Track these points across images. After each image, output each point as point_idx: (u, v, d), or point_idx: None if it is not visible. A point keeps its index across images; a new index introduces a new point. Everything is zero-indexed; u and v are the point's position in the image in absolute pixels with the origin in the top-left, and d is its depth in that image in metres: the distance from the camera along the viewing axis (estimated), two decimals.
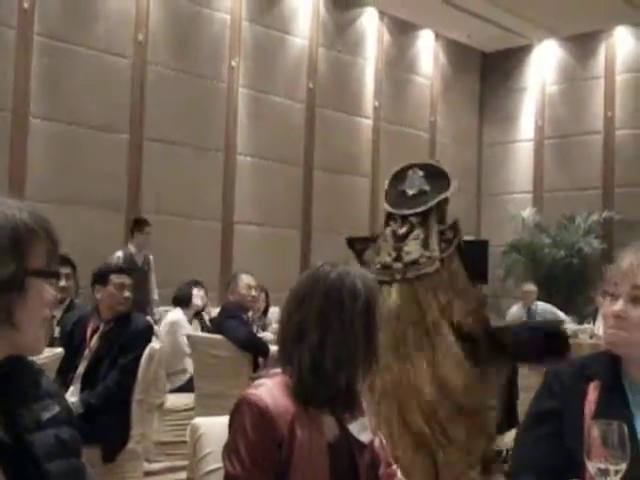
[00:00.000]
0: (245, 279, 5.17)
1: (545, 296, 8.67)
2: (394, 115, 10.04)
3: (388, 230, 3.86)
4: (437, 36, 10.61)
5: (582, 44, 10.28)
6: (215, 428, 1.84)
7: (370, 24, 9.80)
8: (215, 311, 5.66)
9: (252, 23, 8.50)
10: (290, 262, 8.52)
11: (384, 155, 9.83)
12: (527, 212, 10.29)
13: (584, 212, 9.66)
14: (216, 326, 5.10)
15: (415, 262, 3.73)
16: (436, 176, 3.99)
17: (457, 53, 10.87)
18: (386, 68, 9.98)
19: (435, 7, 9.47)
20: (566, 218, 9.75)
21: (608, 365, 1.66)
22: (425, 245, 3.76)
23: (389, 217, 3.93)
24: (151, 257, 6.83)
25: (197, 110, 7.94)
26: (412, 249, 3.77)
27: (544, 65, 10.71)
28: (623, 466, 1.39)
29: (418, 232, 3.82)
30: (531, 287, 8.81)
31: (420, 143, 10.41)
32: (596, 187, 9.97)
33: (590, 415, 1.59)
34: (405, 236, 3.79)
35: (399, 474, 1.85)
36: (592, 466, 1.41)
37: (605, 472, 1.39)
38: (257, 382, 1.70)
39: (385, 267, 3.75)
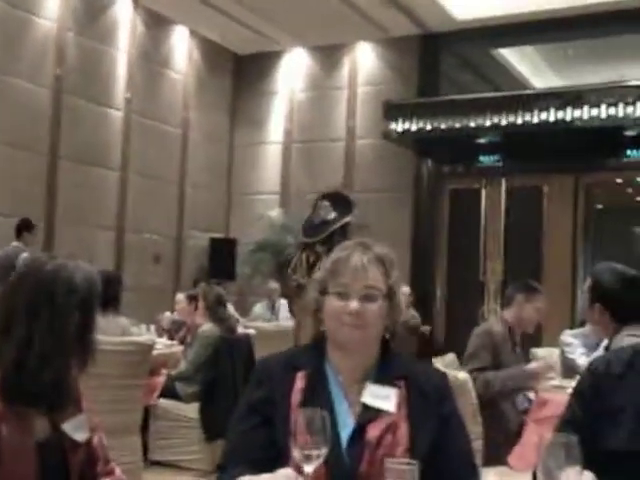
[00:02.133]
0: None
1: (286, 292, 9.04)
2: (147, 108, 9.92)
3: (303, 255, 4.13)
4: (192, 33, 10.63)
5: (328, 55, 10.82)
6: None
7: (123, 13, 9.58)
8: None
9: None
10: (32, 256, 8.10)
11: (135, 148, 9.68)
12: (275, 212, 10.63)
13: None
14: None
15: None
16: (341, 204, 4.26)
17: (211, 52, 10.97)
18: (139, 60, 9.82)
19: (190, 4, 9.50)
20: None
21: (313, 355, 1.78)
22: None
23: (303, 244, 4.23)
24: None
25: None
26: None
27: (294, 72, 11.13)
28: (324, 451, 1.54)
29: (323, 256, 4.06)
30: (275, 285, 9.15)
31: (173, 138, 10.38)
32: None
33: (297, 404, 1.68)
34: (314, 265, 4.08)
35: (118, 471, 1.86)
36: (298, 452, 1.53)
37: (308, 457, 1.52)
38: None
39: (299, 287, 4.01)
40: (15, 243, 7.00)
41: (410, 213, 10.09)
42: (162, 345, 5.70)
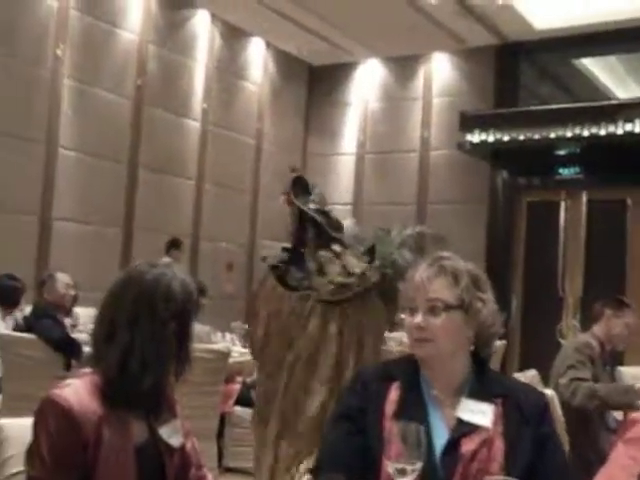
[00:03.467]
0: (63, 278, 5.02)
1: None
2: (222, 119, 10.06)
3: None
4: (268, 45, 10.75)
5: (403, 66, 10.78)
6: (20, 430, 1.76)
7: (202, 26, 9.76)
8: (28, 310, 5.43)
9: (80, 12, 8.21)
10: (110, 262, 8.29)
11: (211, 158, 9.83)
12: (346, 223, 10.62)
13: (399, 226, 10.11)
14: (28, 325, 4.89)
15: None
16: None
17: (286, 63, 11.07)
18: (216, 72, 9.98)
19: (266, 17, 9.60)
20: (382, 230, 10.16)
21: (408, 367, 1.79)
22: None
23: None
24: None
25: (18, 98, 7.56)
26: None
27: (368, 83, 11.13)
28: (419, 466, 1.51)
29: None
30: None
31: (247, 149, 10.50)
32: (411, 203, 10.50)
33: (390, 414, 1.69)
34: None
35: (209, 477, 1.88)
36: (391, 465, 1.51)
37: (402, 471, 1.50)
38: (64, 382, 1.65)
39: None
40: (165, 259, 7.33)
41: (485, 225, 9.94)
42: (237, 353, 5.74)
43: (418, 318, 1.72)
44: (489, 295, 1.79)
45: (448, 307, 1.71)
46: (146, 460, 1.67)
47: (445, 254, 1.83)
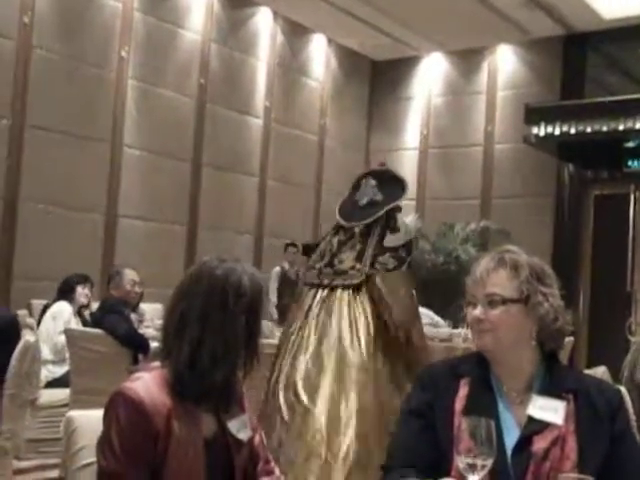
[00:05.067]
0: (130, 274, 5.10)
1: (423, 300, 8.92)
2: (284, 116, 10.10)
3: (335, 240, 3.79)
4: (329, 41, 10.75)
5: (466, 59, 10.65)
6: (90, 422, 1.78)
7: (264, 24, 9.81)
8: (96, 305, 5.55)
9: (144, 14, 8.35)
10: (174, 259, 8.42)
11: (273, 155, 9.88)
12: (410, 218, 10.56)
13: (463, 220, 10.02)
14: (96, 321, 4.99)
15: (344, 272, 3.67)
16: (389, 183, 3.88)
17: (348, 59, 11.05)
18: (278, 69, 10.02)
19: (328, 13, 9.60)
20: (446, 225, 10.07)
21: (477, 364, 1.76)
22: (359, 258, 3.71)
23: (339, 226, 3.86)
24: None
25: (84, 99, 7.73)
26: (345, 258, 3.73)
27: (430, 77, 11.03)
28: (489, 462, 1.48)
29: (355, 242, 3.77)
30: None
31: (309, 145, 10.52)
32: (475, 197, 10.37)
33: (460, 410, 1.67)
34: (344, 243, 3.73)
35: (277, 471, 1.88)
36: (461, 460, 1.48)
37: (473, 467, 1.47)
38: (134, 375, 1.68)
39: (319, 271, 3.69)
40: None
41: (552, 220, 9.75)
42: None
43: (477, 310, 1.72)
44: (553, 290, 1.75)
45: (506, 300, 1.70)
46: (215, 453, 1.69)
47: (508, 247, 1.81)
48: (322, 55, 10.70)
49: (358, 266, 3.68)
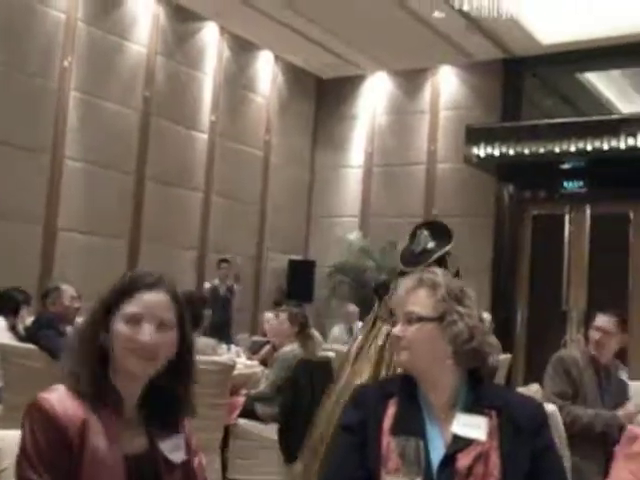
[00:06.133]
0: (69, 290, 5.04)
1: (366, 316, 8.99)
2: (230, 131, 10.10)
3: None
4: (276, 58, 10.80)
5: (410, 79, 10.81)
6: (16, 441, 1.70)
7: (210, 38, 9.82)
8: (30, 320, 5.44)
9: (88, 25, 8.27)
10: (115, 273, 8.22)
11: (218, 170, 9.86)
12: (354, 235, 10.64)
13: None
14: (30, 336, 4.89)
15: None
16: (440, 233, 4.29)
17: (294, 76, 11.12)
18: (224, 84, 10.02)
19: (275, 29, 9.66)
20: (389, 243, 10.17)
21: (406, 382, 1.80)
22: None
23: (401, 274, 4.20)
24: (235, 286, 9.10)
25: (24, 109, 7.61)
26: None
27: (375, 96, 11.16)
28: None
29: None
30: (352, 307, 9.14)
31: (254, 161, 10.53)
32: (418, 215, 10.48)
33: (388, 429, 1.70)
34: None
35: None
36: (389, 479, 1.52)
37: None
38: (51, 387, 1.68)
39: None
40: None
41: (491, 238, 9.94)
42: (242, 365, 5.74)
43: (397, 328, 1.80)
44: (472, 311, 1.79)
45: (421, 318, 1.76)
46: (140, 471, 1.65)
47: (431, 269, 1.90)
48: (268, 71, 10.75)
49: None
